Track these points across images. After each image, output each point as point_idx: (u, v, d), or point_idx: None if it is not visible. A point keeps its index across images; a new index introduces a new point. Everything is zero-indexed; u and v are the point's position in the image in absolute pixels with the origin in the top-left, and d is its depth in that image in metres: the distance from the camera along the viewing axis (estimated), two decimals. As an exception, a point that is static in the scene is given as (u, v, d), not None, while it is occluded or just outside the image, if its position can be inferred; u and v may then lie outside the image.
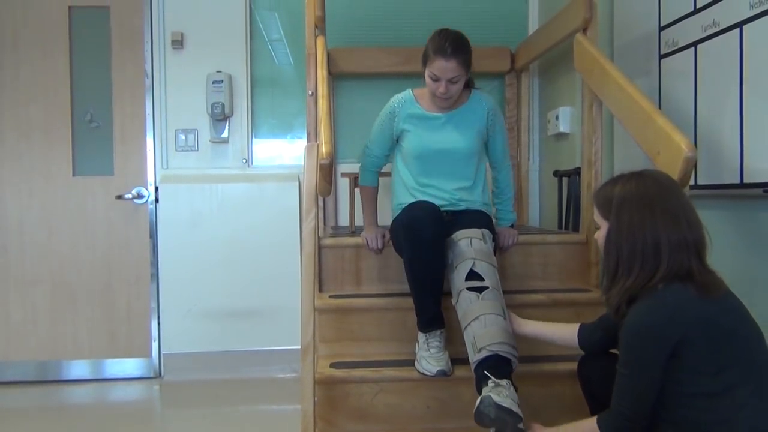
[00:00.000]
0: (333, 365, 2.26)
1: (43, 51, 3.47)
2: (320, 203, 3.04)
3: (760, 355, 1.44)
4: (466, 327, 2.09)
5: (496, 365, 1.96)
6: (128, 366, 3.51)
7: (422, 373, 2.18)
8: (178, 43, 3.48)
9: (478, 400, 1.88)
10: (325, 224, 3.38)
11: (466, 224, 2.29)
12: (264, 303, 3.46)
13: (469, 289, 2.12)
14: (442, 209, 2.30)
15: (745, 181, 1.97)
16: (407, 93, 2.47)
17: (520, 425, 1.85)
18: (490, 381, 1.91)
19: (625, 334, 1.50)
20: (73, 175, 3.50)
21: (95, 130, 3.54)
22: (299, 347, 2.10)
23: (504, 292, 2.50)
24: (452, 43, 2.26)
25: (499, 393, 1.86)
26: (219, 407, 3.01)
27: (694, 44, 2.24)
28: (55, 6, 3.47)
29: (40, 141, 3.48)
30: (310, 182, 2.28)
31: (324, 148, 2.21)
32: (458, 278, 2.16)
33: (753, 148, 1.95)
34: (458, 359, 2.28)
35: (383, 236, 2.52)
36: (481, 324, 2.03)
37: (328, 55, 3.09)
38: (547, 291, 2.51)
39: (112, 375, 3.49)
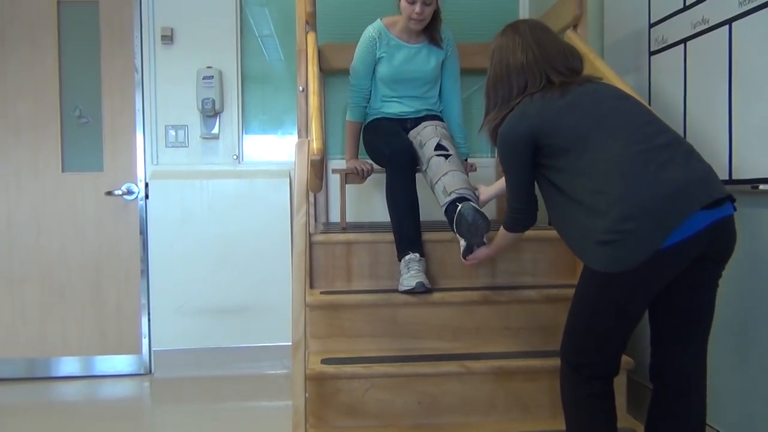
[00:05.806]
0: (324, 361, 2.27)
1: (31, 46, 3.44)
2: (311, 199, 3.04)
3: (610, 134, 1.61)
4: (437, 182, 2.47)
5: (464, 202, 2.29)
6: (118, 363, 3.49)
7: (404, 291, 2.35)
8: (168, 38, 3.46)
9: (458, 209, 2.24)
10: (316, 220, 3.38)
11: (428, 119, 2.73)
12: (254, 299, 3.46)
13: (437, 155, 2.53)
14: (406, 117, 2.76)
15: (734, 177, 1.98)
16: (379, 24, 2.72)
17: (485, 239, 2.26)
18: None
19: (497, 146, 1.85)
20: (62, 171, 3.48)
21: (84, 126, 3.51)
22: (290, 343, 2.10)
23: (494, 288, 2.52)
24: None
25: (474, 206, 2.25)
26: (209, 404, 3.01)
27: (684, 41, 2.25)
28: (44, 0, 3.44)
29: (28, 137, 3.45)
30: (301, 178, 2.27)
31: (315, 145, 2.21)
32: (428, 150, 2.57)
33: (742, 145, 1.96)
34: (446, 354, 2.29)
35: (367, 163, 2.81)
36: (450, 177, 2.45)
37: (319, 52, 3.08)
38: (537, 287, 2.51)
39: (102, 372, 3.48)
